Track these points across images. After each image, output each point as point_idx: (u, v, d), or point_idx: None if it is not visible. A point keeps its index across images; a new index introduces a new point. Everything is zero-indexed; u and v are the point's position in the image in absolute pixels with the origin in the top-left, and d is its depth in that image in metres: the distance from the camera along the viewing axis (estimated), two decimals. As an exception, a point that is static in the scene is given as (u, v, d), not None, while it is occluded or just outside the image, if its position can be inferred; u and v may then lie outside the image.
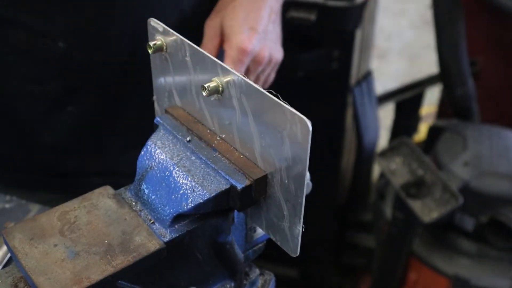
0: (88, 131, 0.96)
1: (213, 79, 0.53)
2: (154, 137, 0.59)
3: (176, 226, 0.54)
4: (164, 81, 0.62)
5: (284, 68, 0.94)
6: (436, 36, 1.67)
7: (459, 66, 1.69)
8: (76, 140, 0.97)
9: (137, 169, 0.58)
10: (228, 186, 0.53)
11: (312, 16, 1.39)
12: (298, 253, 0.54)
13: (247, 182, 0.52)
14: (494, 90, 1.88)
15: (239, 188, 0.52)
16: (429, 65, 3.37)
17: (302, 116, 0.46)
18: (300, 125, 0.47)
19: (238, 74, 0.51)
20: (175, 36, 0.57)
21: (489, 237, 1.53)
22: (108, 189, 0.58)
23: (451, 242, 1.58)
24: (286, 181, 0.51)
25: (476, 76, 1.79)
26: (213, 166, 0.54)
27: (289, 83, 1.41)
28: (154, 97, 0.66)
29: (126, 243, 0.52)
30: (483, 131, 1.66)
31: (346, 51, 1.50)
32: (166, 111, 0.61)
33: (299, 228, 0.52)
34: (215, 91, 0.53)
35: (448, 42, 1.67)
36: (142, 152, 0.58)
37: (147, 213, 0.56)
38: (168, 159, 0.56)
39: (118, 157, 0.99)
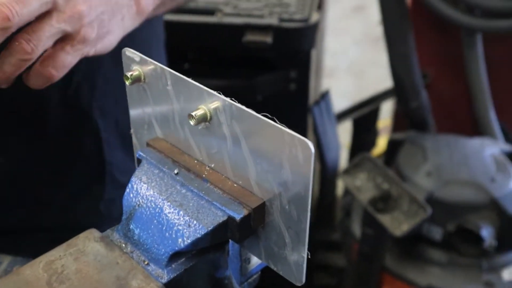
0: (26, 181, 0.91)
1: (199, 106, 0.51)
2: (138, 173, 0.56)
3: (173, 265, 0.51)
4: (143, 112, 0.59)
5: (242, 93, 0.93)
6: (388, 51, 1.71)
7: (411, 79, 1.73)
8: (15, 192, 0.91)
9: (124, 208, 0.55)
10: (225, 218, 0.50)
11: (268, 39, 1.39)
12: (303, 282, 0.52)
13: (245, 212, 0.50)
14: (446, 100, 1.93)
15: (237, 218, 0.50)
16: (376, 81, 3.44)
17: (302, 137, 0.44)
18: (300, 147, 0.45)
19: (227, 99, 0.49)
20: (154, 65, 0.54)
21: (458, 245, 1.55)
22: (93, 232, 0.54)
23: (421, 253, 1.59)
24: (286, 207, 0.49)
25: (428, 88, 1.83)
26: (206, 197, 0.52)
27: (247, 107, 1.39)
28: (132, 130, 0.63)
29: (121, 288, 0.48)
30: (441, 141, 1.69)
31: (303, 72, 1.51)
32: (148, 144, 0.58)
33: (304, 255, 0.50)
34: (203, 119, 0.51)
35: (400, 56, 1.70)
36: (127, 190, 0.55)
37: (139, 254, 0.52)
38: (156, 195, 0.53)
39: (66, 210, 0.95)
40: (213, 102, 0.50)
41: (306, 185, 0.46)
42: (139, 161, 0.57)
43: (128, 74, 0.56)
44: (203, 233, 0.50)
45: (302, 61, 1.50)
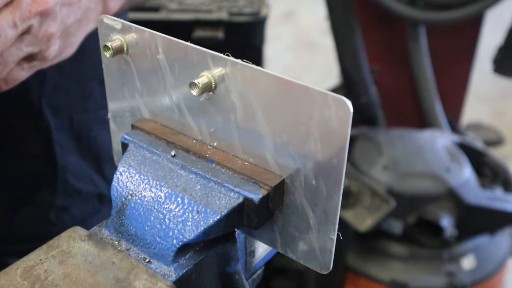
0: None
1: (201, 74, 0.44)
2: (126, 159, 0.48)
3: (181, 260, 0.43)
4: (124, 90, 0.51)
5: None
6: (336, 48, 1.68)
7: (360, 75, 1.71)
8: None
9: (113, 201, 0.46)
10: (240, 200, 0.43)
11: (220, 34, 1.32)
12: (330, 269, 0.45)
13: (264, 192, 0.43)
14: (392, 95, 1.92)
15: (255, 200, 0.43)
16: (313, 83, 3.45)
17: (337, 95, 0.38)
18: (336, 108, 0.38)
19: (239, 61, 0.42)
20: (141, 31, 0.47)
21: (418, 237, 1.53)
22: (78, 230, 0.45)
23: (382, 248, 1.56)
24: (313, 182, 0.42)
25: (375, 83, 1.82)
26: (214, 179, 0.44)
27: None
28: (109, 115, 0.54)
29: (125, 292, 0.40)
30: (394, 135, 1.68)
31: (256, 68, 1.45)
32: (134, 126, 0.50)
33: (333, 236, 0.43)
34: (208, 87, 0.43)
35: (348, 51, 1.68)
36: (115, 179, 0.47)
37: (138, 251, 0.44)
38: (152, 181, 0.45)
39: (9, 217, 0.85)
40: (219, 67, 0.43)
41: (341, 152, 0.40)
42: (125, 146, 0.49)
43: (109, 44, 0.47)
44: (216, 219, 0.43)
45: (255, 58, 1.45)
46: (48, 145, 0.83)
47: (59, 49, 0.63)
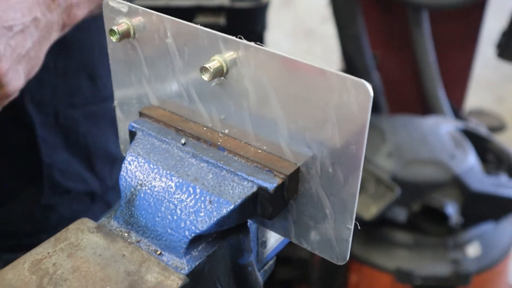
0: None
1: (212, 58, 0.42)
2: (134, 147, 0.46)
3: (194, 252, 0.42)
4: (131, 77, 0.49)
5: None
6: (338, 33, 1.66)
7: (363, 61, 1.69)
8: None
9: (121, 191, 0.45)
10: (254, 189, 0.42)
11: (221, 20, 1.30)
12: (347, 259, 0.44)
13: (279, 181, 0.41)
14: (394, 81, 1.91)
15: (270, 189, 0.41)
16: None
17: (357, 79, 0.36)
18: (355, 92, 0.37)
19: (252, 44, 0.40)
20: (148, 14, 0.45)
21: (423, 225, 1.52)
22: (86, 222, 0.44)
23: (386, 236, 1.55)
24: (330, 170, 0.41)
25: (378, 69, 1.80)
26: (227, 168, 0.43)
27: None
28: (115, 102, 0.52)
29: (137, 286, 0.39)
30: (397, 122, 1.66)
31: (258, 55, 1.43)
32: (142, 114, 0.48)
33: (351, 226, 0.42)
34: (219, 72, 0.42)
35: (350, 37, 1.66)
36: (124, 169, 0.45)
37: (148, 243, 0.43)
38: (162, 170, 0.44)
39: None
40: (230, 51, 0.42)
41: (360, 138, 0.38)
42: (132, 134, 0.48)
43: (115, 28, 0.46)
44: (229, 209, 0.41)
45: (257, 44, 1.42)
46: (33, 143, 0.80)
47: (25, 73, 0.61)
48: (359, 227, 0.42)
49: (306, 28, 3.94)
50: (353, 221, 0.42)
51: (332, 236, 0.43)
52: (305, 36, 3.82)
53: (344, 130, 0.38)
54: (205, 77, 0.41)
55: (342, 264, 0.44)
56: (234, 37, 0.41)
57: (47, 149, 0.82)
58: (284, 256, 1.85)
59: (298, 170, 0.42)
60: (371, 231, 1.56)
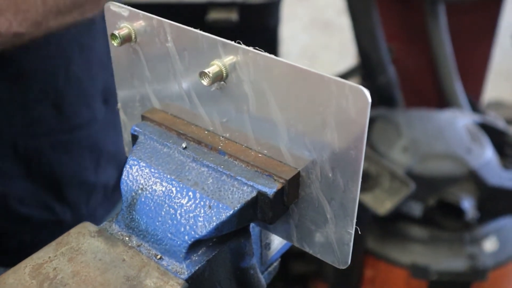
0: None
1: (212, 62, 0.42)
2: (136, 151, 0.46)
3: (193, 257, 0.42)
4: (134, 80, 0.49)
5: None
6: (353, 27, 1.65)
7: (378, 54, 1.68)
8: None
9: (123, 195, 0.45)
10: (254, 194, 0.42)
11: (234, 16, 1.30)
12: (349, 263, 0.43)
13: (278, 185, 0.41)
14: (410, 74, 1.89)
15: (270, 194, 0.41)
16: (329, 64, 3.41)
17: (354, 85, 0.36)
18: (353, 97, 0.36)
19: (250, 49, 0.40)
20: (149, 18, 0.45)
21: (438, 220, 1.51)
22: (87, 226, 0.44)
23: (402, 231, 1.54)
24: (330, 175, 0.40)
25: (393, 62, 1.78)
26: (227, 172, 0.43)
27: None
28: (119, 105, 0.53)
29: (135, 291, 0.39)
30: (413, 116, 1.64)
31: (271, 51, 1.42)
32: (144, 117, 0.48)
33: (351, 230, 0.42)
34: (218, 77, 0.41)
35: (365, 31, 1.65)
36: (125, 173, 0.45)
37: (149, 248, 0.43)
38: (163, 175, 0.44)
39: None
40: (230, 56, 0.41)
41: (359, 144, 0.38)
42: (135, 137, 0.48)
43: (116, 32, 0.46)
44: (228, 214, 0.41)
45: (269, 40, 1.42)
46: None
47: None
48: (359, 232, 0.42)
49: (323, 20, 3.91)
50: (354, 226, 0.41)
51: (333, 241, 0.43)
52: (322, 29, 3.80)
53: (343, 135, 0.38)
54: (205, 82, 0.41)
55: (344, 268, 0.43)
56: (232, 42, 0.41)
57: (2, 178, 0.80)
58: (299, 251, 1.85)
59: (298, 175, 0.42)
60: (386, 226, 1.55)
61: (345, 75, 1.83)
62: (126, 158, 0.96)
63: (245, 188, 0.42)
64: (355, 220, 0.41)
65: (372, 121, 1.65)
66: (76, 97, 0.82)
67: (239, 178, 0.42)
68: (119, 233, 0.44)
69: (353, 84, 0.36)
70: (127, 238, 0.44)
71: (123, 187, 0.45)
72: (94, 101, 0.85)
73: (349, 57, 2.63)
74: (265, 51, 1.32)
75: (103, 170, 0.89)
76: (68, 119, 0.82)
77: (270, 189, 0.41)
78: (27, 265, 0.41)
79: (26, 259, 0.42)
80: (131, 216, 0.44)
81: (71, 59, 0.80)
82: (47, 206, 0.84)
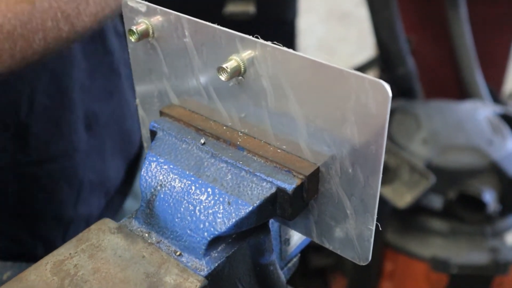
0: None
1: (230, 57, 0.41)
2: (154, 147, 0.46)
3: (213, 253, 0.41)
4: (152, 76, 0.49)
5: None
6: (372, 18, 1.63)
7: (397, 46, 1.66)
8: None
9: (142, 191, 0.45)
10: (273, 190, 0.41)
11: (251, 8, 1.29)
12: (369, 260, 0.43)
13: (298, 181, 0.41)
14: (429, 66, 1.86)
15: (289, 190, 0.41)
16: (347, 56, 3.38)
17: (374, 79, 0.35)
18: (373, 92, 0.36)
19: (269, 43, 0.40)
20: (166, 13, 0.45)
21: (459, 212, 1.49)
22: (107, 223, 0.44)
23: (422, 224, 1.53)
24: (350, 170, 0.40)
25: (413, 54, 1.76)
26: (246, 168, 0.42)
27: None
28: (137, 101, 0.53)
29: None
30: (432, 107, 1.63)
31: (289, 44, 1.42)
32: (162, 113, 0.48)
33: (372, 227, 0.41)
34: (237, 72, 0.41)
35: (384, 23, 1.63)
36: (144, 169, 0.45)
37: (168, 244, 0.43)
38: (182, 171, 0.44)
39: None
40: (248, 50, 0.41)
41: (380, 139, 0.37)
42: (153, 133, 0.48)
43: (134, 28, 0.45)
44: (248, 210, 0.41)
45: (288, 33, 1.41)
46: None
47: None
48: (380, 228, 0.41)
49: (340, 11, 3.88)
50: (374, 222, 0.41)
51: (353, 237, 0.42)
52: (340, 20, 3.77)
53: (363, 130, 0.38)
54: (223, 77, 0.41)
55: (364, 264, 0.43)
56: (251, 37, 0.40)
57: None
58: (318, 244, 1.85)
59: (317, 171, 0.41)
60: (406, 218, 1.54)
61: (364, 67, 1.81)
62: (115, 185, 0.93)
63: (264, 184, 0.41)
64: (375, 216, 0.40)
65: (391, 113, 1.63)
66: (44, 128, 0.76)
67: (258, 174, 0.42)
68: (139, 229, 0.44)
69: (373, 78, 0.35)
70: (146, 235, 0.44)
71: (142, 183, 0.45)
72: (71, 131, 0.79)
73: (367, 49, 2.61)
74: (283, 44, 1.32)
75: (84, 202, 0.83)
76: (35, 152, 0.77)
77: (289, 185, 0.41)
78: (48, 261, 0.41)
79: (47, 256, 0.42)
80: (150, 213, 0.44)
81: (36, 88, 0.74)
82: (16, 239, 0.80)
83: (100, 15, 0.60)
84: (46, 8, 0.54)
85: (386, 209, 1.45)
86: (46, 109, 0.72)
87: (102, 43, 0.79)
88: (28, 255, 0.81)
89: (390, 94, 0.35)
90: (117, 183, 0.90)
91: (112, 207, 0.88)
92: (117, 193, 0.91)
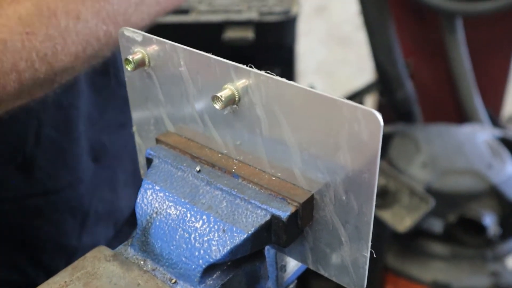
0: None
1: (224, 86, 0.42)
2: (150, 175, 0.47)
3: (208, 281, 0.42)
4: (148, 104, 0.50)
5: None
6: (370, 42, 1.64)
7: (396, 70, 1.67)
8: None
9: (138, 219, 0.45)
10: (268, 218, 0.41)
11: (250, 34, 1.30)
12: (364, 287, 0.43)
13: (292, 209, 0.41)
14: (428, 89, 1.88)
15: (283, 217, 0.41)
16: (347, 79, 3.40)
17: (366, 108, 0.36)
18: (365, 121, 0.36)
19: (262, 72, 0.40)
20: (161, 43, 0.45)
21: (460, 236, 1.49)
22: (103, 250, 0.44)
23: (422, 248, 1.52)
24: (343, 198, 0.40)
25: (411, 77, 1.78)
26: (240, 196, 0.43)
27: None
28: (134, 128, 0.53)
29: (150, 316, 0.39)
30: (432, 131, 1.63)
31: (288, 68, 1.43)
32: (158, 140, 0.49)
33: (366, 254, 0.41)
34: (231, 101, 0.42)
35: (382, 46, 1.64)
36: (140, 196, 0.46)
37: (164, 272, 0.43)
38: (177, 198, 0.44)
39: None
40: (242, 79, 0.41)
41: (372, 167, 0.37)
42: (149, 161, 0.48)
43: (130, 57, 0.46)
44: (242, 238, 0.41)
45: (286, 58, 1.43)
46: None
47: None
48: (374, 256, 0.41)
49: (340, 35, 3.91)
50: (369, 249, 0.41)
51: (348, 263, 0.43)
52: (339, 44, 3.80)
53: (356, 159, 0.38)
54: (217, 106, 0.41)
55: (359, 291, 0.43)
56: (244, 66, 0.41)
57: None
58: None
59: (312, 198, 0.42)
60: (406, 242, 1.53)
61: (363, 91, 1.82)
62: (126, 215, 0.91)
63: (259, 211, 0.42)
64: (370, 244, 0.41)
65: (390, 136, 1.64)
66: (49, 160, 0.76)
67: (253, 201, 0.42)
68: (134, 257, 0.44)
69: (365, 107, 0.36)
70: (142, 262, 0.44)
71: (138, 210, 0.45)
72: (77, 162, 0.79)
73: (367, 72, 2.63)
74: (281, 69, 1.33)
75: (89, 232, 0.83)
76: (40, 183, 0.77)
77: (284, 212, 0.41)
78: (43, 290, 0.41)
79: (42, 284, 0.42)
80: (146, 240, 0.44)
81: (42, 121, 0.74)
82: (18, 269, 0.80)
83: (82, 55, 0.58)
84: (18, 48, 0.52)
85: (386, 233, 1.45)
86: (52, 141, 0.71)
87: (115, 75, 0.79)
88: (30, 285, 0.80)
89: (382, 123, 0.36)
90: (127, 213, 0.90)
91: (122, 237, 0.88)
92: (127, 223, 0.91)
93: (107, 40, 0.59)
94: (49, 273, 0.79)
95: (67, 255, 0.82)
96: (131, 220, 0.92)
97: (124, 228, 0.91)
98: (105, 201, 0.84)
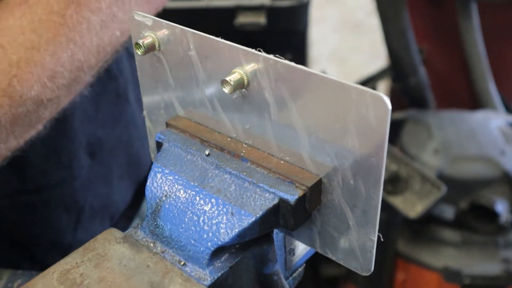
0: None
1: (233, 70, 0.42)
2: (160, 158, 0.47)
3: (216, 263, 0.42)
4: (158, 88, 0.50)
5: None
6: (383, 28, 1.63)
7: (409, 56, 1.66)
8: None
9: (148, 202, 0.46)
10: (276, 201, 0.42)
11: (262, 19, 1.30)
12: (372, 270, 0.43)
13: (300, 192, 0.41)
14: (442, 75, 1.86)
15: (291, 201, 0.41)
16: (359, 66, 3.38)
17: (374, 92, 0.36)
18: (373, 105, 0.36)
19: (271, 56, 0.40)
20: (171, 27, 0.45)
21: (471, 223, 1.48)
22: (113, 232, 0.45)
23: (433, 234, 1.52)
24: (351, 182, 0.40)
25: (425, 63, 1.76)
26: (249, 179, 0.43)
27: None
28: (144, 112, 0.53)
29: (159, 297, 0.39)
30: (444, 117, 1.62)
31: (300, 54, 1.43)
32: (168, 125, 0.49)
33: (374, 238, 0.41)
34: (240, 85, 0.42)
35: (396, 33, 1.63)
36: (150, 179, 0.46)
37: (173, 254, 0.43)
38: (187, 182, 0.44)
39: None
40: (251, 63, 0.42)
41: (380, 151, 0.37)
42: (159, 145, 0.48)
43: (140, 41, 0.46)
44: (250, 221, 0.41)
45: (298, 43, 1.42)
46: None
47: None
48: (382, 239, 0.41)
49: (353, 21, 3.89)
50: (376, 233, 0.41)
51: (356, 247, 0.43)
52: (352, 30, 3.78)
53: (364, 143, 0.38)
54: (226, 90, 0.42)
55: (367, 274, 0.43)
56: (253, 50, 0.41)
57: None
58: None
59: (320, 182, 0.42)
60: (418, 229, 1.53)
61: (375, 77, 1.81)
62: (121, 208, 0.91)
63: (267, 195, 0.42)
64: (377, 227, 0.41)
65: (402, 123, 1.64)
66: (42, 157, 0.76)
67: (261, 185, 0.42)
68: (144, 239, 0.45)
69: (373, 91, 0.36)
70: (151, 244, 0.44)
71: (148, 194, 0.46)
72: (72, 158, 0.78)
73: (380, 59, 2.61)
74: (294, 55, 1.33)
75: (84, 228, 0.83)
76: (32, 180, 0.76)
77: (291, 196, 0.41)
78: (55, 270, 0.42)
79: (54, 265, 0.43)
80: (155, 223, 0.45)
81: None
82: (13, 265, 0.79)
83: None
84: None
85: (397, 219, 1.45)
86: (45, 138, 0.70)
87: (106, 71, 0.79)
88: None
89: (390, 107, 0.36)
90: (123, 206, 0.90)
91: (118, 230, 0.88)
92: (123, 217, 0.91)
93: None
94: (42, 268, 0.80)
95: (62, 251, 0.82)
96: (127, 213, 0.92)
97: (121, 221, 0.91)
98: (100, 195, 0.84)
